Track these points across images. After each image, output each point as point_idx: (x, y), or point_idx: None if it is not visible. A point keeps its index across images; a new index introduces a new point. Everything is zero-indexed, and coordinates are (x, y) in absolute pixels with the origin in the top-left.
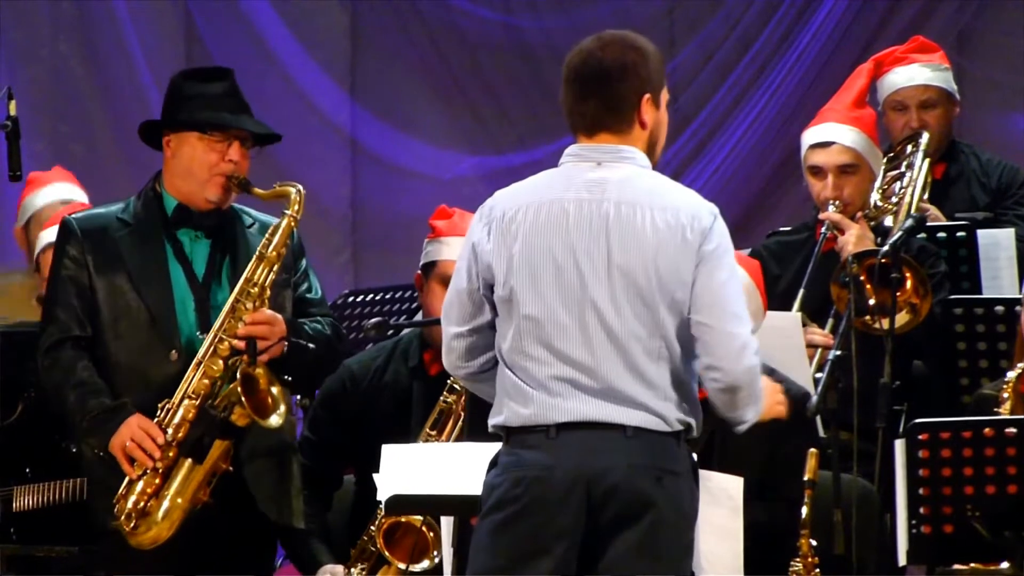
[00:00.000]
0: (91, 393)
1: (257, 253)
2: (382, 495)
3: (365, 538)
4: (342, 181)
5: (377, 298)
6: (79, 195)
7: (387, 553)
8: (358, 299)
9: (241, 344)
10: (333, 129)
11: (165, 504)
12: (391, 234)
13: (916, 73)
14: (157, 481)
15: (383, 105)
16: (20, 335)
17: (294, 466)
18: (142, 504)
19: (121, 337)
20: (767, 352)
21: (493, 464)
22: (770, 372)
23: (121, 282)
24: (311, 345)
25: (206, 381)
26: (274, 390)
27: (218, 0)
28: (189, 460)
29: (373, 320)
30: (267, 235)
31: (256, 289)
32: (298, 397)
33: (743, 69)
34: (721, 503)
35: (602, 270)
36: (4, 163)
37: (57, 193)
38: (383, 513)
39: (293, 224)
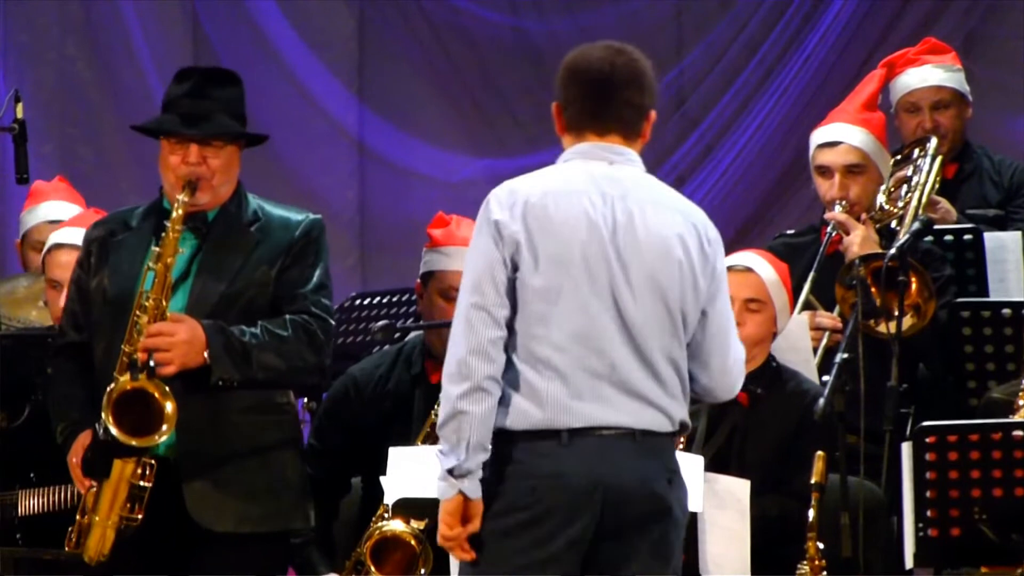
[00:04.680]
0: (64, 409)
1: (145, 266)
2: (389, 498)
3: (358, 550)
4: (349, 184)
5: (384, 301)
6: (72, 211)
7: (373, 567)
8: (365, 302)
9: (142, 356)
10: (340, 132)
11: (95, 522)
12: (398, 237)
13: (929, 74)
14: (91, 498)
15: (390, 108)
16: (28, 338)
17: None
18: (83, 521)
19: (96, 339)
20: (774, 354)
21: (495, 465)
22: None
23: (105, 284)
24: (207, 357)
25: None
26: (168, 407)
27: (225, 2)
28: (101, 480)
29: (380, 323)
30: (158, 246)
31: (150, 301)
32: (305, 400)
33: (751, 72)
34: (728, 506)
35: (629, 265)
36: (11, 166)
37: (47, 214)
38: (388, 514)
39: (175, 236)
